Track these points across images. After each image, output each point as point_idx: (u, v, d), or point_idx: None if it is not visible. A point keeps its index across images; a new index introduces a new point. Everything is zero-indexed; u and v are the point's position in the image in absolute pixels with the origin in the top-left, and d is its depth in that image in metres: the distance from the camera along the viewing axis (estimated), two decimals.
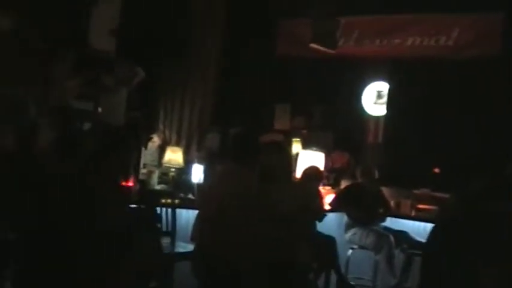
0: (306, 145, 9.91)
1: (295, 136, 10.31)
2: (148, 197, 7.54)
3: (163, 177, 9.24)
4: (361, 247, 8.14)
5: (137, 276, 4.79)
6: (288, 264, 5.17)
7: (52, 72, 9.52)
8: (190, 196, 8.29)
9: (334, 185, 9.43)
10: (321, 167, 8.74)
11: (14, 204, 5.23)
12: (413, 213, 8.80)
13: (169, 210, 7.24)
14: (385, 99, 10.32)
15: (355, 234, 8.18)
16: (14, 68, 8.94)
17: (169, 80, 10.73)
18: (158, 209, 7.12)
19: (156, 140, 10.32)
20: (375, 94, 10.49)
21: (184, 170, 9.40)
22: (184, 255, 6.24)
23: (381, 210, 8.44)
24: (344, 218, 8.39)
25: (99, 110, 9.51)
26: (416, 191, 9.07)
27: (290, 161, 7.28)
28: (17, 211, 5.17)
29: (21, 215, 5.10)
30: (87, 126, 9.02)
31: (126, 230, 4.82)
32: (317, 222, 7.67)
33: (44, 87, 9.43)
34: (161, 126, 10.71)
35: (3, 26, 9.08)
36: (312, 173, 8.03)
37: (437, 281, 3.13)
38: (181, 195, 8.30)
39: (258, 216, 5.05)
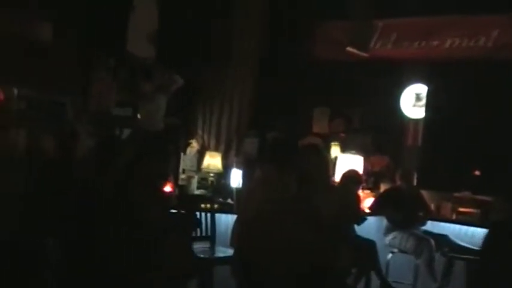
0: (344, 149, 9.90)
1: (334, 140, 10.30)
2: (188, 202, 7.61)
3: (202, 182, 9.34)
4: (401, 251, 8.09)
5: (169, 279, 4.83)
6: (327, 268, 5.17)
7: (91, 79, 9.67)
8: (229, 201, 8.35)
9: (373, 188, 9.39)
10: (360, 171, 8.72)
11: (53, 209, 5.37)
12: (454, 217, 8.72)
13: (209, 215, 7.28)
14: (424, 101, 10.24)
15: (395, 238, 8.14)
16: (54, 76, 9.11)
17: (207, 86, 10.84)
18: (197, 213, 7.18)
19: (195, 145, 10.47)
20: (414, 97, 10.42)
21: (223, 175, 9.51)
22: (224, 260, 6.29)
23: (421, 214, 8.39)
24: (384, 221, 8.35)
25: (138, 116, 9.63)
26: (456, 194, 9.00)
27: (328, 164, 7.28)
28: (56, 216, 5.30)
29: (60, 220, 5.24)
30: (126, 132, 9.15)
31: (163, 235, 4.93)
32: (356, 226, 7.66)
33: (83, 94, 9.59)
34: (200, 132, 10.81)
35: (44, 34, 9.26)
36: (351, 176, 8.02)
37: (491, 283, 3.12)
38: (220, 200, 8.36)
39: (297, 220, 4.99)
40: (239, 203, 6.96)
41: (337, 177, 8.60)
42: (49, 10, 9.21)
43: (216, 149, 10.43)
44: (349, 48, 9.98)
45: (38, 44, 9.09)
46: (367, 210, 8.34)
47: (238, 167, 9.18)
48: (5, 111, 8.21)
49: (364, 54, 10.10)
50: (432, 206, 8.75)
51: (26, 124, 8.53)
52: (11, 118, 8.40)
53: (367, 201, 8.63)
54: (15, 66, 8.83)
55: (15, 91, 8.94)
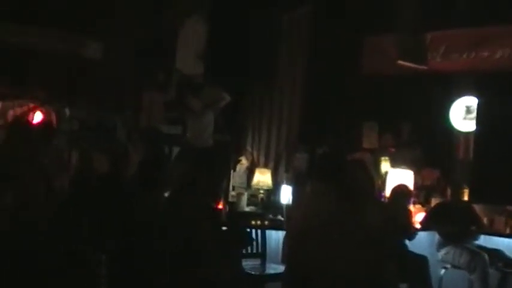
0: (394, 163, 9.84)
1: (384, 154, 10.23)
2: (238, 219, 7.67)
3: (252, 199, 9.40)
4: (455, 266, 8.00)
5: None
6: (377, 283, 5.18)
7: (142, 97, 9.82)
8: (279, 217, 8.37)
9: (424, 203, 9.32)
10: (410, 185, 8.68)
11: (106, 225, 5.48)
12: (507, 230, 8.62)
13: (259, 231, 7.32)
14: (474, 114, 10.13)
15: (447, 253, 8.06)
16: (105, 95, 9.29)
17: (256, 103, 10.99)
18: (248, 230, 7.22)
19: (244, 162, 10.57)
20: (464, 109, 10.31)
21: (273, 192, 9.55)
22: (275, 276, 6.33)
23: (473, 228, 8.30)
24: (436, 236, 8.28)
25: (187, 133, 9.74)
26: (509, 207, 8.89)
27: (375, 179, 7.26)
28: (108, 232, 5.42)
29: (113, 235, 5.36)
30: (176, 150, 9.27)
31: (214, 251, 4.97)
32: (408, 241, 7.62)
33: (133, 112, 9.75)
34: (249, 148, 10.94)
35: (94, 54, 9.44)
36: (400, 191, 7.99)
37: None
38: (271, 216, 8.40)
39: (347, 235, 5.00)
40: (289, 219, 6.98)
41: (387, 192, 8.57)
42: (99, 29, 9.39)
43: (266, 166, 10.50)
44: (400, 62, 9.95)
45: (89, 63, 9.27)
46: (418, 225, 8.28)
47: (288, 183, 9.16)
48: (58, 132, 8.40)
49: (421, 67, 10.05)
50: (485, 220, 8.65)
51: (79, 143, 8.80)
52: (63, 138, 8.62)
53: (418, 216, 8.57)
54: (67, 87, 9.04)
55: (67, 111, 9.16)
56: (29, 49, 8.74)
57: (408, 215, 7.88)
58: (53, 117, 9.07)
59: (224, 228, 6.00)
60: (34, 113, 9.03)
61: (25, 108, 9.10)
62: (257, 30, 10.38)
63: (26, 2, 8.63)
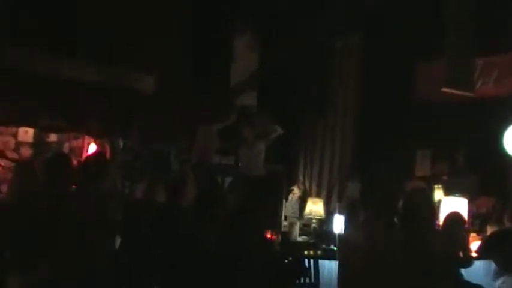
0: (448, 191, 9.76)
1: (437, 182, 10.16)
2: (291, 249, 7.68)
3: (305, 228, 9.44)
4: None
5: None
6: None
7: (196, 128, 9.92)
8: (332, 247, 8.35)
9: (479, 231, 9.22)
10: (465, 213, 8.60)
11: (163, 256, 5.63)
12: None
13: (312, 261, 7.32)
14: None
15: (504, 282, 7.93)
16: (159, 126, 9.42)
17: (309, 132, 11.10)
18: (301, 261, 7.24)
19: (296, 191, 10.68)
20: None
21: (325, 221, 9.61)
22: None
23: None
24: (492, 265, 8.16)
25: (239, 163, 9.82)
26: None
27: (433, 208, 7.24)
28: (165, 262, 5.58)
29: (168, 265, 5.50)
30: (229, 180, 9.35)
31: (269, 282, 5.09)
32: (463, 270, 7.55)
33: (187, 143, 9.85)
34: (301, 178, 11.01)
35: (148, 86, 9.60)
36: (454, 219, 7.92)
37: None
38: (324, 246, 8.39)
39: (401, 265, 5.01)
40: (343, 248, 6.98)
41: (441, 221, 8.51)
42: (153, 62, 9.54)
43: (318, 195, 10.56)
44: (446, 89, 9.91)
45: (142, 95, 9.42)
46: (474, 254, 8.19)
47: (340, 213, 9.15)
48: (111, 163, 8.56)
49: (468, 94, 9.99)
50: None
51: (133, 174, 8.93)
52: (117, 169, 8.77)
53: (473, 245, 8.48)
54: (121, 119, 9.18)
55: (121, 143, 9.30)
56: (85, 83, 8.84)
57: (463, 243, 7.80)
58: (107, 149, 9.26)
59: (278, 258, 6.05)
60: (88, 145, 9.32)
61: (80, 140, 9.42)
62: (309, 60, 10.48)
63: (82, 38, 8.78)
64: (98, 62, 9.15)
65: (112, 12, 9.06)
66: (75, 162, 8.22)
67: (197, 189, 6.90)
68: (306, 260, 7.31)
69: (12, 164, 8.71)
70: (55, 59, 8.77)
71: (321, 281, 7.27)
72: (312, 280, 7.27)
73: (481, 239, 8.66)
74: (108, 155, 9.02)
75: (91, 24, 8.86)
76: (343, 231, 8.50)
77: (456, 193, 9.36)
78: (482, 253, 8.13)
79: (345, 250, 6.21)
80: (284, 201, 9.92)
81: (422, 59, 10.54)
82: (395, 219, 5.37)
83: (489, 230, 9.03)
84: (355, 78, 10.71)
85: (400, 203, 5.46)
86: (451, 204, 9.01)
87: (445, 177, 10.36)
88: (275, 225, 8.28)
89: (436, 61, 10.40)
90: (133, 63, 9.42)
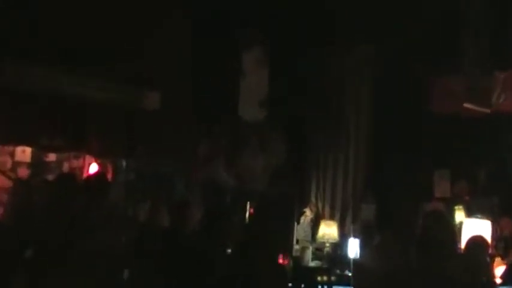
0: (469, 213, 9.63)
1: (457, 203, 10.03)
2: (303, 275, 7.57)
3: (318, 252, 9.48)
4: None
5: None
6: None
7: (201, 147, 9.85)
8: (347, 272, 8.24)
9: (504, 255, 9.06)
10: (488, 236, 8.44)
11: (166, 283, 5.55)
12: None
13: None
14: None
15: None
16: (163, 145, 9.33)
17: (321, 151, 10.92)
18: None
19: (308, 214, 10.54)
20: None
21: (339, 245, 9.60)
22: None
23: None
24: None
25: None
26: None
27: (453, 231, 7.09)
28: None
29: None
30: (236, 201, 9.27)
31: None
32: None
33: (192, 163, 9.76)
34: (313, 199, 10.84)
35: (151, 103, 9.51)
36: (477, 242, 7.73)
37: None
38: (338, 271, 8.29)
39: None
40: (358, 274, 6.89)
41: (463, 245, 8.34)
42: (157, 77, 9.48)
43: (332, 217, 10.45)
44: (467, 105, 9.77)
45: (146, 112, 9.32)
46: (498, 280, 8.02)
47: (355, 236, 9.19)
48: (113, 183, 8.45)
49: (485, 110, 9.85)
50: None
51: (136, 195, 8.84)
52: (119, 190, 8.68)
53: (498, 270, 8.32)
54: (124, 138, 9.09)
55: (124, 162, 9.19)
56: (85, 100, 8.77)
57: (487, 268, 7.62)
58: (109, 169, 9.16)
59: (289, 284, 5.94)
60: (89, 165, 9.16)
61: (80, 160, 9.26)
62: (318, 73, 10.46)
63: (82, 53, 8.72)
64: (99, 78, 9.05)
65: (114, 25, 8.93)
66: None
67: (204, 211, 6.81)
68: (319, 287, 7.18)
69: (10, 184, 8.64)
70: (54, 75, 8.64)
71: None
72: None
73: (506, 264, 8.50)
74: (110, 175, 8.93)
75: (92, 39, 8.75)
76: (358, 256, 8.47)
77: (478, 215, 9.22)
78: (507, 278, 7.99)
79: (360, 276, 6.14)
80: (296, 223, 9.90)
81: (440, 73, 10.37)
82: (413, 243, 5.26)
83: None
84: (369, 93, 10.55)
85: (418, 225, 5.43)
86: (473, 227, 8.87)
87: (466, 198, 10.21)
88: (286, 250, 8.25)
89: (455, 75, 10.26)
90: (136, 79, 9.27)
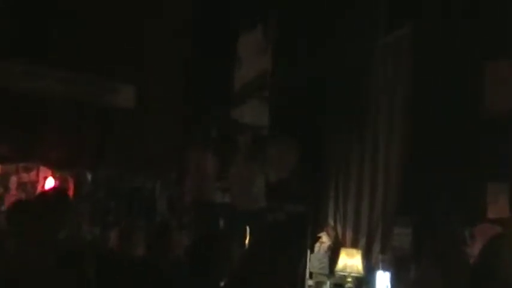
0: None
1: None
2: None
3: None
4: None
5: None
6: None
7: (188, 156, 9.82)
8: None
9: None
10: None
11: None
12: None
13: None
14: None
15: None
16: (140, 153, 9.30)
17: (341, 161, 10.91)
18: None
19: (325, 240, 10.57)
20: None
21: (364, 280, 9.64)
22: None
23: None
24: None
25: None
26: None
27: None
28: None
29: None
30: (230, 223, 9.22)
31: None
32: None
33: (177, 176, 9.70)
34: (331, 222, 10.87)
35: (125, 100, 9.45)
36: None
37: None
38: None
39: None
40: None
41: None
42: (134, 66, 9.46)
43: (355, 245, 10.39)
44: None
45: (118, 113, 9.47)
46: None
47: (385, 268, 9.21)
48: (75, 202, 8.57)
49: None
50: None
51: (104, 216, 8.78)
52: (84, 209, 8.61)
53: None
54: (89, 144, 9.04)
55: (89, 176, 9.06)
56: (38, 95, 8.76)
57: None
58: (69, 184, 9.23)
59: None
60: (45, 179, 9.24)
61: (33, 173, 9.27)
62: (339, 60, 10.44)
63: (34, 35, 8.69)
64: (58, 67, 9.19)
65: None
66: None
67: (190, 237, 6.84)
68: None
69: None
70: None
71: None
72: None
73: None
74: (70, 191, 9.00)
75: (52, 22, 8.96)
76: None
77: None
78: None
79: None
80: (309, 252, 9.92)
81: (496, 58, 10.21)
82: (463, 279, 5.21)
83: None
84: (402, 85, 10.46)
85: (468, 256, 5.59)
86: None
87: None
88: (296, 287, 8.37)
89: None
90: (107, 69, 9.43)
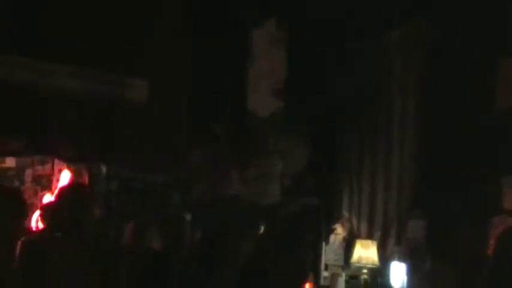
0: None
1: None
2: None
3: (352, 281, 9.66)
4: None
5: None
6: None
7: (200, 153, 9.82)
8: None
9: None
10: None
11: None
12: None
13: None
14: None
15: None
16: (152, 149, 9.31)
17: (355, 152, 10.92)
18: None
19: (340, 232, 10.57)
20: None
21: (380, 271, 9.62)
22: None
23: None
24: None
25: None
26: None
27: None
28: None
29: None
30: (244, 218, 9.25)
31: None
32: None
33: (189, 172, 9.72)
34: (346, 214, 10.88)
35: (138, 97, 9.47)
36: None
37: None
38: None
39: None
40: None
41: None
42: (146, 62, 9.44)
43: (370, 236, 10.41)
44: None
45: (131, 109, 9.50)
46: None
47: (400, 260, 9.19)
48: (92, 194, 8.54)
49: None
50: None
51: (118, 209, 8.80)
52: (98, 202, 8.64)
53: None
54: (103, 138, 9.07)
55: (104, 169, 9.37)
56: (53, 91, 8.84)
57: None
58: (85, 177, 9.21)
59: None
60: (60, 172, 9.21)
61: (48, 166, 9.30)
62: (350, 53, 10.51)
63: (47, 32, 8.75)
64: (71, 64, 9.26)
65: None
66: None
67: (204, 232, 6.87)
68: None
69: None
70: (13, 60, 8.88)
71: None
72: None
73: None
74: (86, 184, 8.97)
75: (58, 18, 8.99)
76: (404, 285, 8.66)
77: None
78: None
79: None
80: (324, 244, 9.92)
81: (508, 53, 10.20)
82: (477, 270, 5.16)
83: None
84: (414, 80, 10.50)
85: (484, 247, 5.47)
86: None
87: None
88: (311, 279, 8.20)
89: None
90: (120, 66, 9.47)
